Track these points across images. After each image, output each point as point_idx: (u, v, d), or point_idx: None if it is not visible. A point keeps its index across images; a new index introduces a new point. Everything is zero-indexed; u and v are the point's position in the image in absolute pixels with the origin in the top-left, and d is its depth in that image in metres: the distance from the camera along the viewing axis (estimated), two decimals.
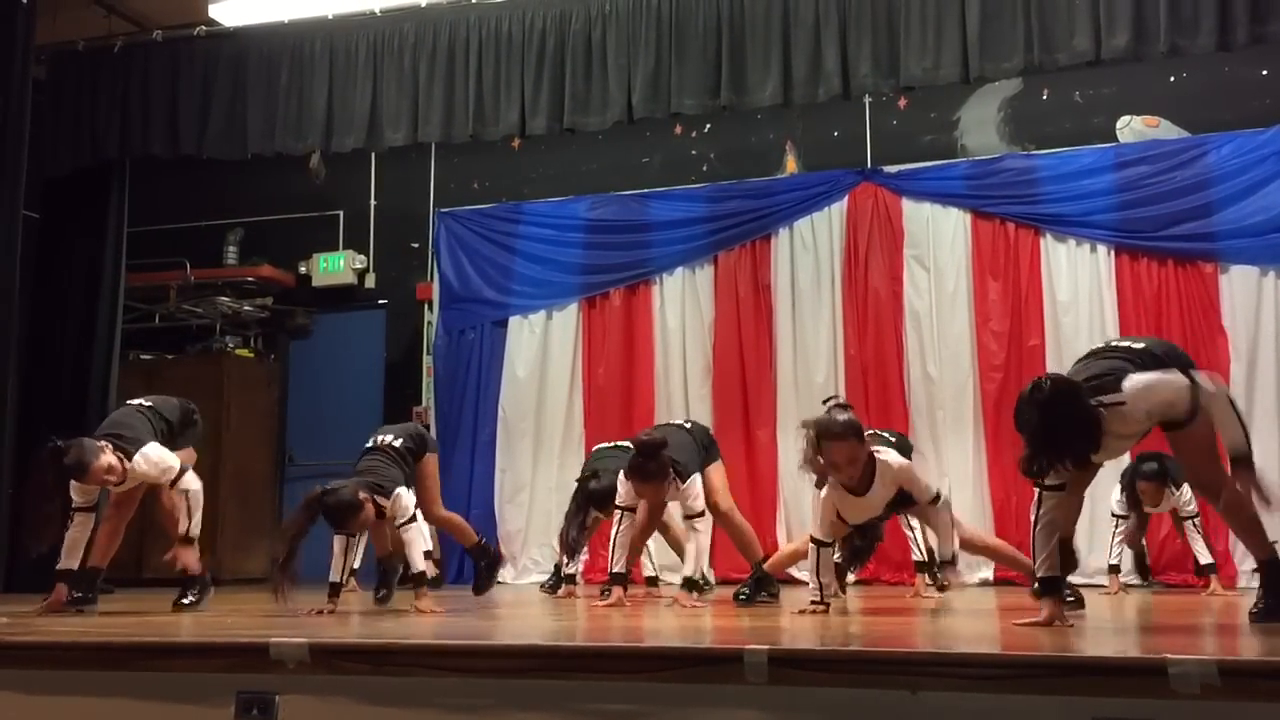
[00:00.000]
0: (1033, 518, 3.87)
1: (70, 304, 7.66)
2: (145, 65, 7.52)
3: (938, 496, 4.70)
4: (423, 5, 7.13)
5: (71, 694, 3.06)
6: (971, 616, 4.72)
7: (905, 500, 4.68)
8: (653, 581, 6.79)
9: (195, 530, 5.41)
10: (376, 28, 7.19)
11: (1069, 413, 3.64)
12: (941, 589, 6.05)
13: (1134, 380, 3.82)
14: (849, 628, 4.14)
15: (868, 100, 7.93)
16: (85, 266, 7.68)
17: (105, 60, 7.58)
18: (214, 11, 7.38)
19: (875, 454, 4.59)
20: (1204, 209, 7.35)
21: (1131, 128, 7.73)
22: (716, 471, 5.77)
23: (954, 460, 7.65)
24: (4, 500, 6.97)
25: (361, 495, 4.88)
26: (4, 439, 6.98)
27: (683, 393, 8.17)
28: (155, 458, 5.29)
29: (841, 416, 4.51)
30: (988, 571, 7.46)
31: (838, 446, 4.42)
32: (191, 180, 8.86)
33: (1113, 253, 7.56)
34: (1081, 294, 7.57)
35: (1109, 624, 4.36)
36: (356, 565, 6.04)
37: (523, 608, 5.51)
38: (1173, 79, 7.61)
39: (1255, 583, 6.77)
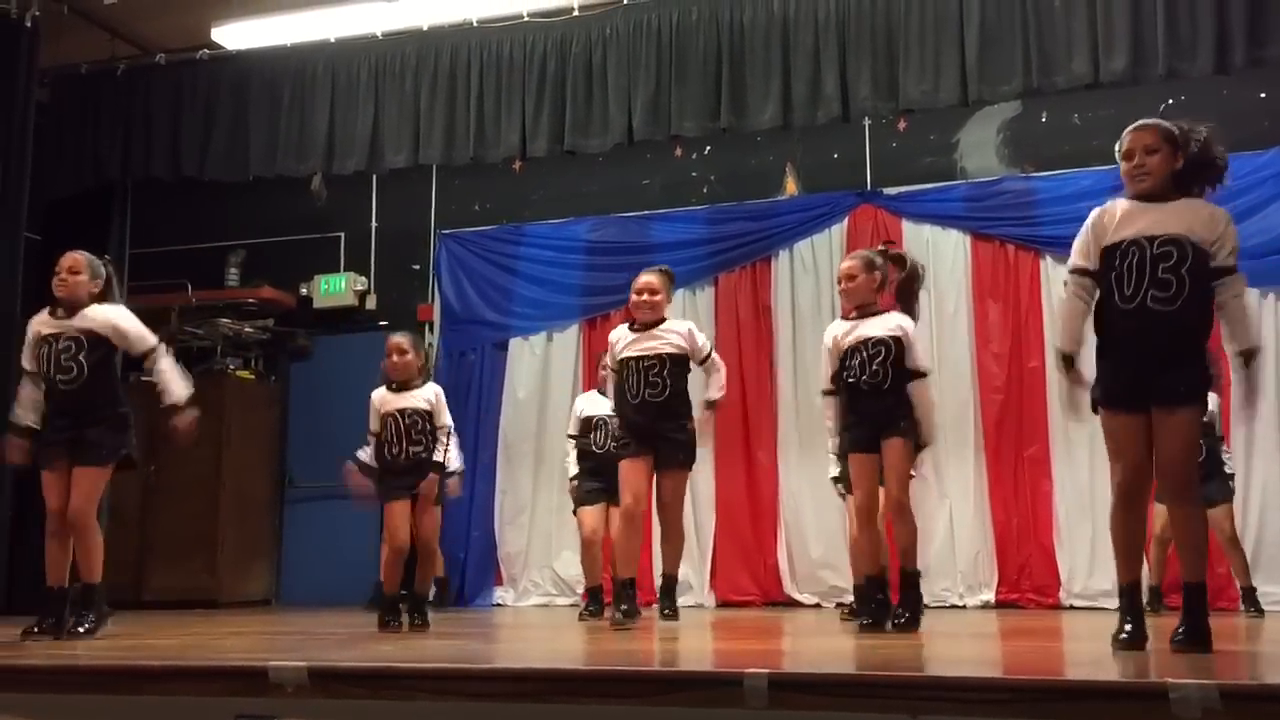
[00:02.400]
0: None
1: None
2: (148, 88, 7.57)
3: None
4: (424, 29, 7.17)
5: (71, 718, 3.05)
6: (973, 640, 4.70)
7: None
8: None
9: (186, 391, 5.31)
10: (378, 51, 7.23)
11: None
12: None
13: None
14: (850, 651, 4.12)
15: (867, 123, 7.95)
16: None
17: (108, 83, 7.62)
18: (217, 35, 7.43)
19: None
20: None
21: None
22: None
23: (955, 481, 7.64)
24: (5, 522, 6.95)
25: None
26: (5, 460, 6.96)
27: None
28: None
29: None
30: (989, 594, 7.45)
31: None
32: (193, 202, 8.88)
33: None
34: None
35: (1109, 648, 4.34)
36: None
37: (522, 630, 5.50)
38: (1171, 101, 7.62)
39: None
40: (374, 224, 9.26)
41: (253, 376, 9.19)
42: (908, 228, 7.99)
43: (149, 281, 8.62)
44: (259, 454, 8.99)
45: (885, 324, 4.84)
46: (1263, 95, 7.46)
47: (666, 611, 5.26)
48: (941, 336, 7.81)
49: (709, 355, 5.40)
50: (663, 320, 5.32)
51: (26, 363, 4.85)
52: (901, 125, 8.06)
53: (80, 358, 4.85)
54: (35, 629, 4.67)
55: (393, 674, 2.85)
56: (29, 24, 7.13)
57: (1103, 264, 3.96)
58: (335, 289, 9.14)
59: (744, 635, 4.81)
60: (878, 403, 4.81)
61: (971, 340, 7.77)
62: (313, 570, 8.92)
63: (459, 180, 8.92)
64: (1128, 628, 3.78)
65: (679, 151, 8.51)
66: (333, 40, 7.29)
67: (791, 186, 8.43)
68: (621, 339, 5.32)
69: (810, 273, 8.15)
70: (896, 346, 4.80)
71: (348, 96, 7.23)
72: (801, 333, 8.06)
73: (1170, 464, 3.75)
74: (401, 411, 5.55)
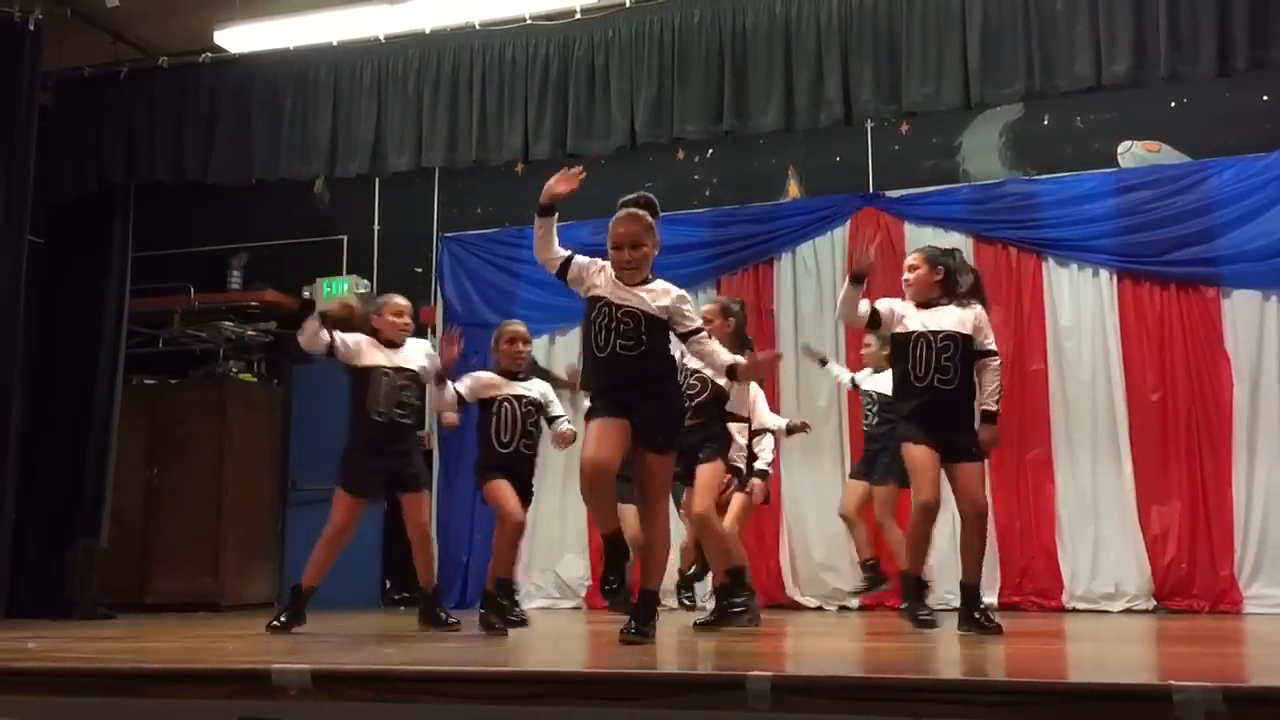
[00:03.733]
0: None
1: (74, 328, 7.68)
2: (151, 91, 7.57)
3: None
4: (427, 31, 7.17)
5: None
6: (976, 643, 4.70)
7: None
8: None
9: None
10: (381, 54, 7.23)
11: None
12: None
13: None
14: (853, 654, 4.12)
15: (869, 125, 7.96)
16: (89, 291, 7.69)
17: (111, 86, 7.62)
18: (220, 38, 7.43)
19: None
20: (1206, 234, 7.37)
21: (1133, 153, 7.74)
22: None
23: None
24: (8, 527, 6.96)
25: None
26: (8, 464, 6.98)
27: None
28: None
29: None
30: (991, 597, 7.44)
31: None
32: (196, 205, 8.89)
33: (1115, 277, 7.57)
34: (1084, 318, 7.58)
35: (1114, 650, 4.34)
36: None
37: (525, 633, 5.49)
38: (1174, 104, 7.63)
39: (1260, 608, 6.79)
40: (376, 227, 9.27)
41: (255, 379, 9.19)
42: (910, 230, 7.99)
43: (152, 284, 8.64)
44: (261, 457, 9.00)
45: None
46: (1265, 98, 7.46)
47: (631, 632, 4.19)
48: None
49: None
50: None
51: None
52: (904, 128, 8.07)
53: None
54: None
55: (396, 676, 2.85)
56: (32, 27, 7.14)
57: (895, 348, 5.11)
58: (338, 292, 9.10)
59: (746, 638, 4.80)
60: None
61: None
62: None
63: (461, 183, 8.93)
64: (922, 614, 5.19)
65: (681, 154, 8.52)
66: (335, 43, 7.29)
67: (794, 189, 8.44)
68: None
69: (812, 275, 8.14)
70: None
71: (350, 99, 7.23)
72: (804, 335, 8.06)
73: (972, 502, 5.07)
74: (519, 399, 5.43)
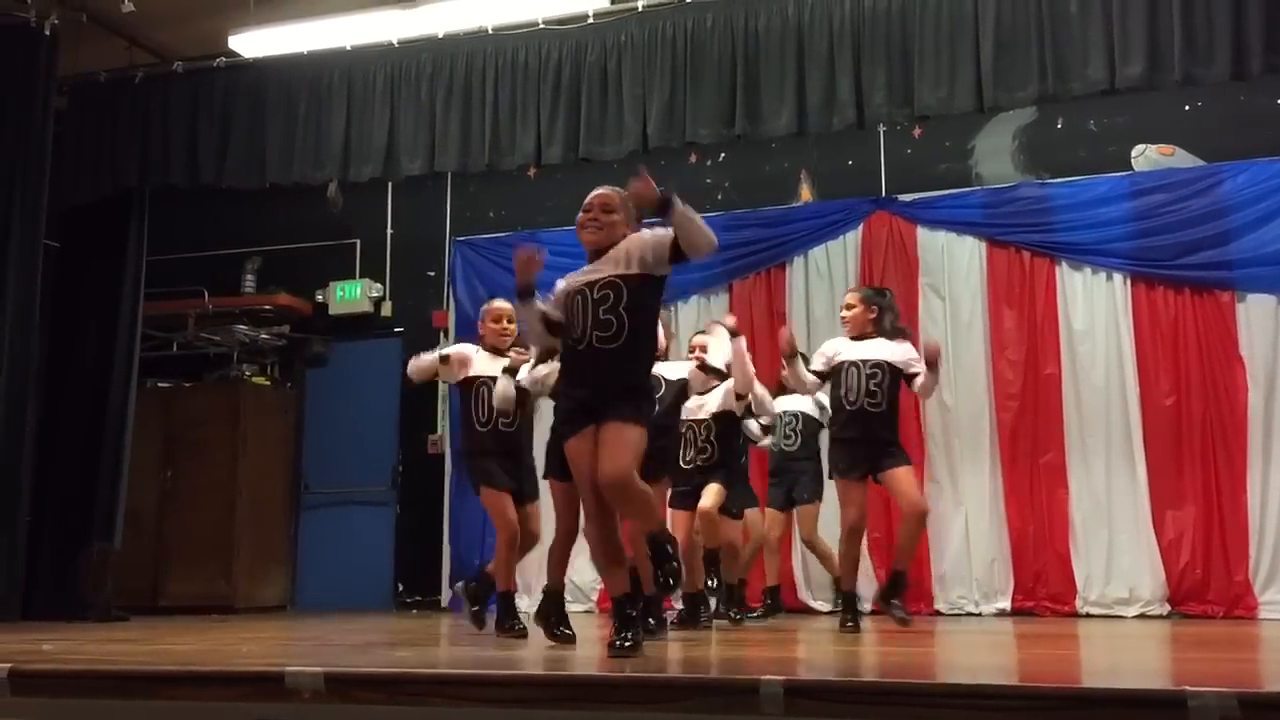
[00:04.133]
0: None
1: (89, 332, 7.72)
2: (165, 96, 7.60)
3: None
4: (440, 36, 7.19)
5: None
6: (989, 648, 4.69)
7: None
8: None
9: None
10: (394, 58, 7.25)
11: None
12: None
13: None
14: (866, 658, 4.11)
15: (882, 129, 7.95)
16: (104, 295, 7.73)
17: (126, 91, 7.66)
18: (234, 43, 7.46)
19: None
20: (1220, 237, 7.34)
21: (1146, 156, 7.72)
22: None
23: (971, 489, 7.62)
24: (23, 529, 6.99)
25: None
26: (23, 466, 7.01)
27: None
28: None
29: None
30: (1005, 602, 7.42)
31: None
32: (210, 209, 8.93)
33: (1129, 281, 7.55)
34: (1098, 322, 7.56)
35: (1128, 655, 4.33)
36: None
37: (538, 636, 5.49)
38: (1188, 108, 7.61)
39: (1275, 613, 6.76)
40: (389, 231, 9.29)
41: (269, 383, 9.23)
42: (923, 234, 7.99)
43: (167, 288, 8.69)
44: (275, 460, 9.03)
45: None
46: (1279, 101, 7.44)
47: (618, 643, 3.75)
48: (957, 343, 7.79)
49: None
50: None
51: None
52: (916, 132, 8.06)
53: None
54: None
55: (410, 679, 2.85)
56: (48, 33, 7.18)
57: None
58: (351, 295, 9.17)
59: (759, 642, 4.80)
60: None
61: (987, 347, 7.75)
62: (328, 576, 8.95)
63: (474, 187, 8.95)
64: (849, 621, 5.43)
65: (693, 158, 8.52)
66: (349, 48, 7.31)
67: (806, 193, 8.43)
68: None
69: (825, 279, 8.14)
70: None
71: (364, 104, 7.25)
72: (816, 339, 8.01)
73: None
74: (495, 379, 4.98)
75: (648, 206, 3.82)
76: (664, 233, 3.83)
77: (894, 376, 5.39)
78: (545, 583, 4.77)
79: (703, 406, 5.65)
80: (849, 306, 5.61)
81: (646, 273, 3.84)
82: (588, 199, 4.06)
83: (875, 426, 5.35)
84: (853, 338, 5.54)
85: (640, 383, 3.86)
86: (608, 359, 3.76)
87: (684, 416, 5.48)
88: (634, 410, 3.72)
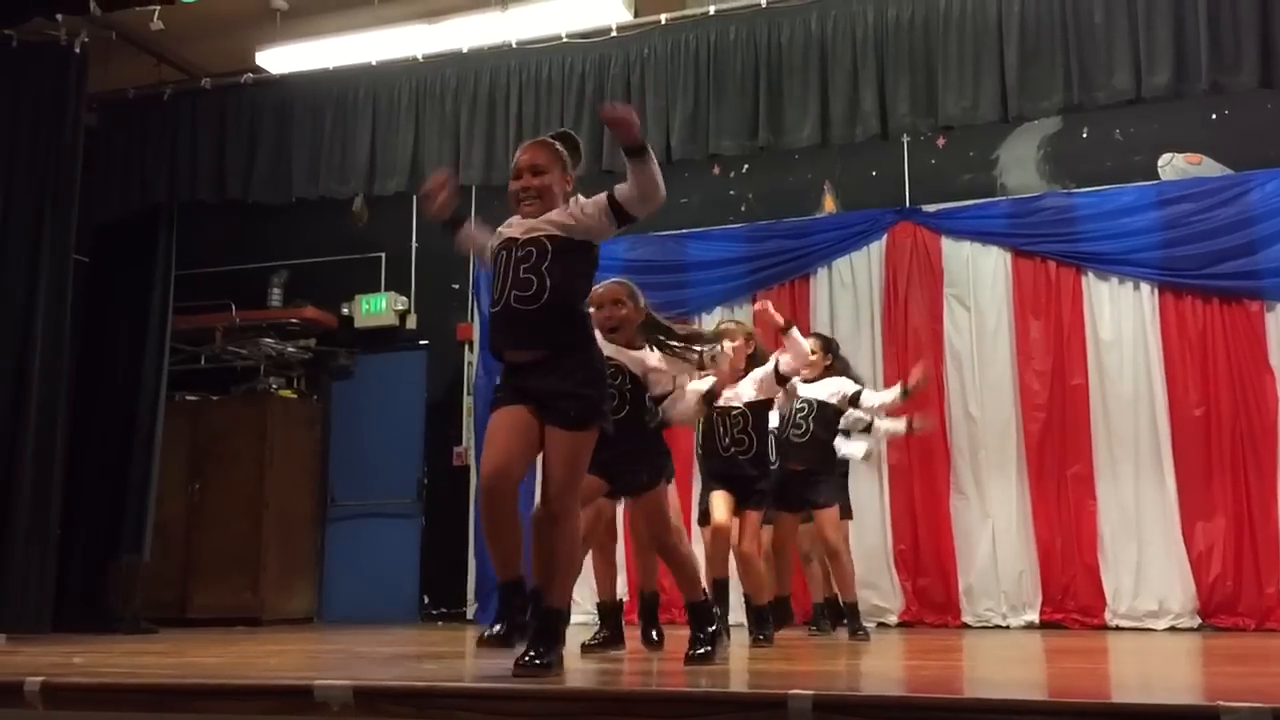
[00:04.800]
0: None
1: (118, 346, 7.79)
2: (194, 112, 7.67)
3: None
4: (464, 51, 7.23)
5: None
6: (1018, 661, 4.66)
7: None
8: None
9: None
10: (419, 73, 7.29)
11: None
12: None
13: None
14: (894, 672, 4.09)
15: (906, 140, 7.94)
16: (133, 309, 7.80)
17: (155, 107, 7.73)
18: (261, 59, 7.53)
19: None
20: (1248, 246, 7.28)
21: (1174, 165, 7.68)
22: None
23: (998, 501, 7.57)
24: (53, 542, 7.05)
25: None
26: (53, 480, 7.07)
27: None
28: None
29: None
30: (1033, 614, 7.37)
31: None
32: (237, 224, 9.00)
33: (1156, 291, 7.50)
34: (1125, 332, 7.51)
35: (1159, 669, 4.29)
36: None
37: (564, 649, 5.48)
38: (1215, 116, 7.56)
39: None
40: (414, 244, 9.34)
41: (295, 395, 9.28)
42: (947, 245, 7.96)
43: (194, 302, 8.76)
44: (301, 473, 9.07)
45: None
46: None
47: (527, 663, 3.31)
48: (983, 354, 7.76)
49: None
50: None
51: None
52: (941, 142, 8.04)
53: None
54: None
55: (440, 693, 2.86)
56: (78, 50, 7.25)
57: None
58: (376, 309, 9.22)
59: (783, 655, 4.78)
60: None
61: (1013, 358, 7.72)
62: (354, 588, 8.98)
63: (498, 200, 8.91)
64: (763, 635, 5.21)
65: (717, 170, 8.53)
66: (374, 63, 7.36)
67: (830, 204, 8.42)
68: None
69: (849, 290, 8.13)
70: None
71: (389, 119, 7.30)
72: (841, 350, 8.02)
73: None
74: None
75: (625, 140, 3.44)
76: (599, 196, 3.49)
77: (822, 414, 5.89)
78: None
79: (738, 395, 5.24)
80: (812, 352, 5.83)
81: (580, 238, 3.45)
82: (515, 164, 3.60)
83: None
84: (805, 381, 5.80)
85: (575, 359, 3.39)
86: (526, 321, 3.36)
87: (720, 404, 5.05)
88: (578, 414, 3.33)
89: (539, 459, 3.43)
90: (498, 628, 3.31)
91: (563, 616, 3.40)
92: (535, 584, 3.38)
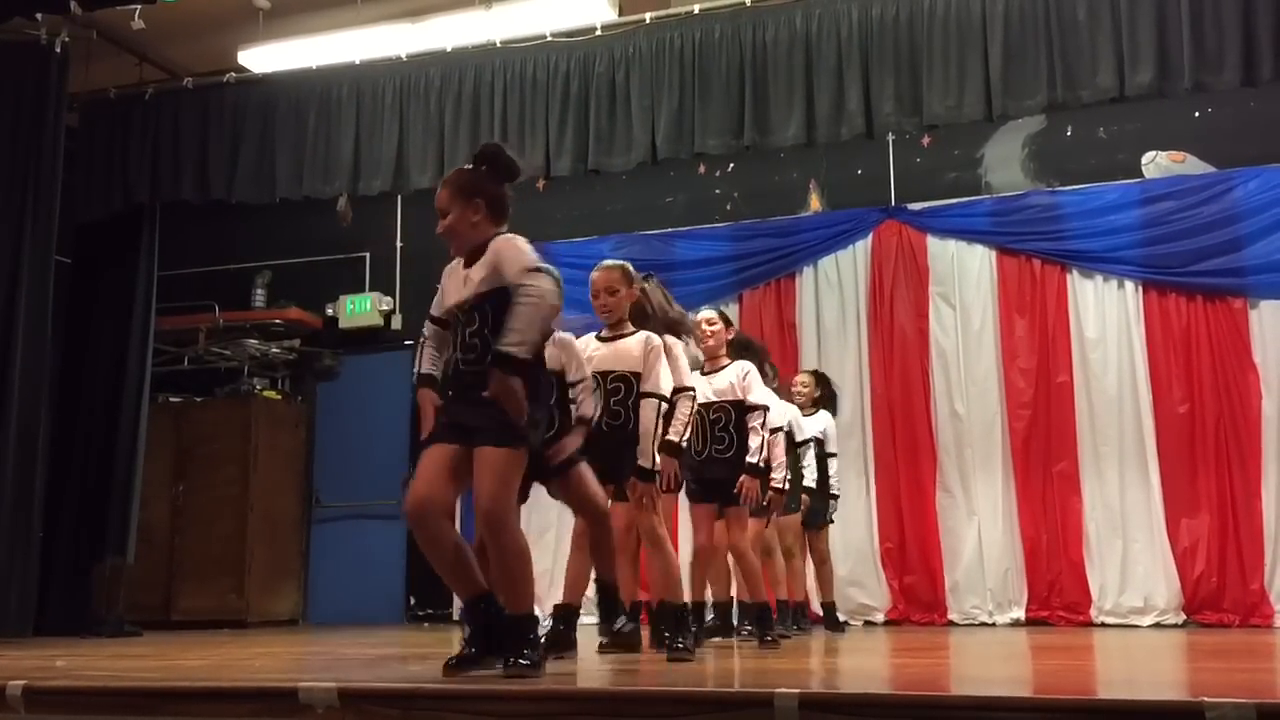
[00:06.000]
0: None
1: (101, 347, 7.74)
2: (176, 112, 7.63)
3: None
4: (448, 50, 7.21)
5: None
6: (1003, 659, 4.66)
7: None
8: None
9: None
10: (403, 73, 7.27)
11: None
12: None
13: None
14: (880, 670, 4.10)
15: (891, 138, 7.95)
16: (116, 310, 7.75)
17: (137, 107, 7.69)
18: (243, 58, 7.49)
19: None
20: (1232, 244, 7.32)
21: (1157, 163, 7.71)
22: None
23: (983, 498, 7.59)
24: (35, 544, 7.00)
25: None
26: (36, 481, 7.03)
27: None
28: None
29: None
30: (1019, 611, 7.39)
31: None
32: (220, 224, 8.96)
33: (1140, 288, 7.53)
34: (1110, 330, 7.54)
35: (1144, 665, 4.30)
36: None
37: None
38: (1198, 114, 7.59)
39: None
40: (399, 244, 9.31)
41: (280, 397, 9.24)
42: (932, 243, 7.98)
43: (178, 303, 8.71)
44: (286, 474, 9.04)
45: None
46: None
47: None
48: (968, 352, 7.78)
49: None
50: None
51: None
52: (926, 141, 8.06)
53: None
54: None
55: (425, 695, 2.84)
56: (59, 50, 7.21)
57: None
58: (361, 309, 9.19)
59: (773, 654, 4.78)
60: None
61: (998, 355, 7.74)
62: (340, 590, 8.95)
63: None
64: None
65: (702, 169, 8.53)
66: (358, 62, 7.34)
67: (815, 203, 8.43)
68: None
69: (835, 289, 8.14)
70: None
71: (373, 118, 7.27)
72: (827, 348, 8.05)
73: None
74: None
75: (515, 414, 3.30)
76: (517, 256, 3.49)
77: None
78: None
79: (720, 392, 5.04)
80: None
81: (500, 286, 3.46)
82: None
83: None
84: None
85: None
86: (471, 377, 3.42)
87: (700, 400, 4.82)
88: (496, 433, 3.32)
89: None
90: (471, 650, 3.37)
91: (530, 621, 3.37)
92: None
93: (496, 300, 3.46)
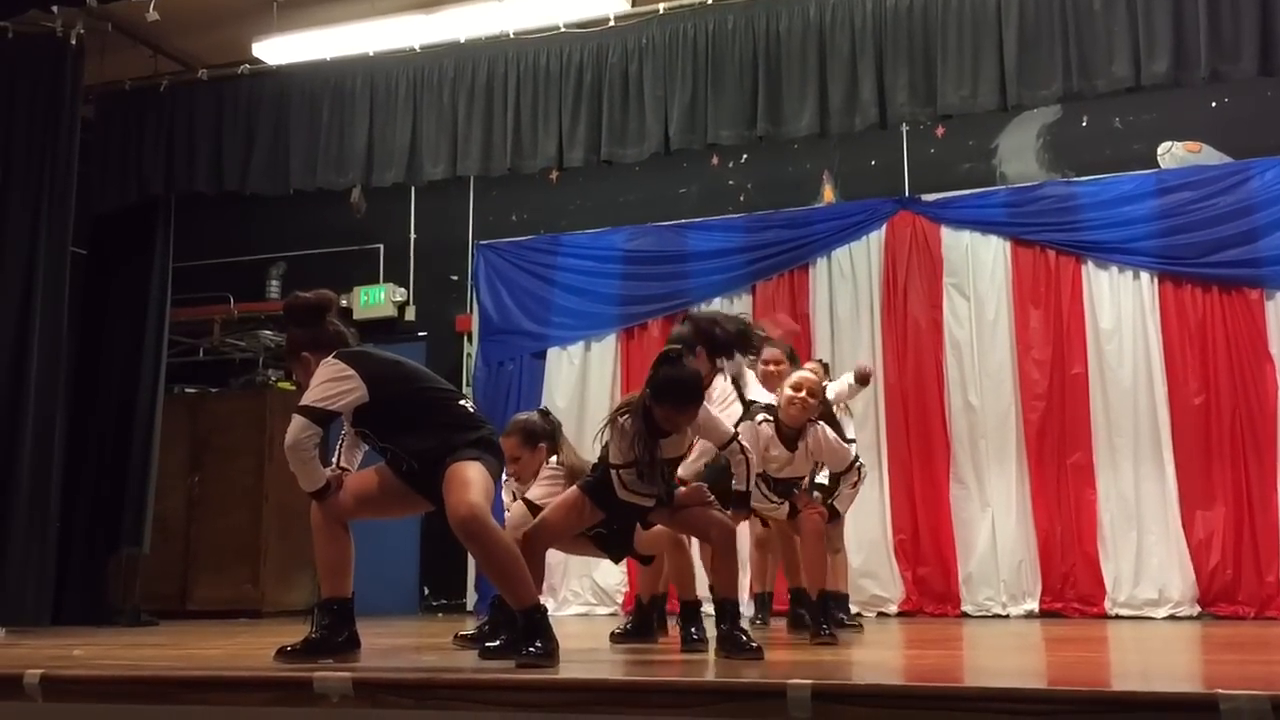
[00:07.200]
0: None
1: (116, 339, 7.78)
2: (190, 104, 7.65)
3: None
4: (461, 41, 7.21)
5: None
6: (1017, 650, 4.66)
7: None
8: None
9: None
10: (416, 64, 7.28)
11: None
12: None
13: None
14: (893, 662, 4.10)
15: (905, 129, 7.92)
16: (131, 302, 7.79)
17: (152, 99, 7.72)
18: (258, 50, 7.50)
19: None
20: (1248, 235, 7.28)
21: (1173, 153, 7.66)
22: None
23: (997, 490, 7.57)
24: (52, 535, 7.05)
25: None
26: (53, 473, 7.07)
27: None
28: None
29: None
30: (1033, 603, 7.37)
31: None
32: (235, 216, 8.99)
33: (1156, 279, 7.50)
34: (1125, 321, 7.50)
35: (1158, 657, 4.29)
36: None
37: (563, 640, 5.48)
38: (1214, 104, 7.54)
39: None
40: (413, 235, 9.32)
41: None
42: (946, 234, 7.95)
43: (192, 294, 8.75)
44: None
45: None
46: None
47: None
48: (982, 343, 7.75)
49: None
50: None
51: None
52: (939, 131, 8.03)
53: None
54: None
55: (439, 684, 2.86)
56: (74, 42, 7.23)
57: None
58: (375, 300, 9.21)
59: (785, 645, 4.78)
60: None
61: (1013, 347, 7.71)
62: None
63: (496, 191, 8.97)
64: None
65: (716, 160, 8.52)
66: (371, 54, 7.35)
67: (829, 194, 8.41)
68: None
69: (849, 280, 8.12)
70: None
71: (386, 109, 7.28)
72: (840, 341, 8.03)
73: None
74: None
75: None
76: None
77: None
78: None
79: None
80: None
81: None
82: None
83: None
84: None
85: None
86: None
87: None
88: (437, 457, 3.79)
89: None
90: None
91: (536, 611, 3.48)
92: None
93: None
